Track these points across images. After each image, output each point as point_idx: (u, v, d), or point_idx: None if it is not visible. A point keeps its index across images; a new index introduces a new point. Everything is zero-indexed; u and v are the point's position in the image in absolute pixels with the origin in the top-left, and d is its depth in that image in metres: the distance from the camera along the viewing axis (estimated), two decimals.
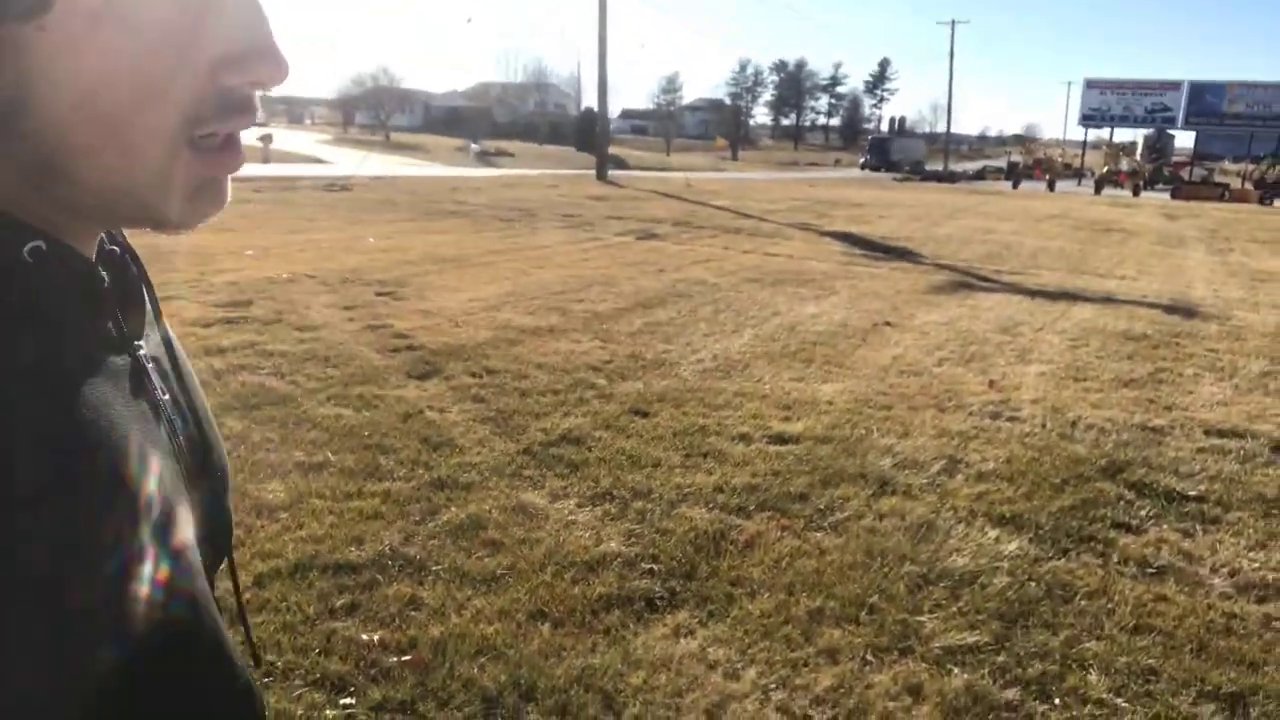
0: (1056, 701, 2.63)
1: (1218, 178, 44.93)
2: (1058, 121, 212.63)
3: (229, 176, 0.53)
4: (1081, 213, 24.30)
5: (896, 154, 67.98)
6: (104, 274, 0.54)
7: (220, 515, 0.65)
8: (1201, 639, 2.98)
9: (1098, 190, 42.84)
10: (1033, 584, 3.33)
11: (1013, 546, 3.62)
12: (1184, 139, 73.93)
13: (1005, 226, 18.99)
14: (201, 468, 0.62)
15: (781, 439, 4.85)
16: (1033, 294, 10.17)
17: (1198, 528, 3.92)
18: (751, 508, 3.94)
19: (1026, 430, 5.15)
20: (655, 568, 3.33)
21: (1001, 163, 65.11)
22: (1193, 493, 4.29)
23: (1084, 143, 74.03)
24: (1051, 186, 45.05)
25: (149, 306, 0.61)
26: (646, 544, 3.53)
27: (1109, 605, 3.19)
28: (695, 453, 4.59)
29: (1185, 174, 46.50)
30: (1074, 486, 4.30)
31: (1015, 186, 45.19)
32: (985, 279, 11.34)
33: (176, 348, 0.65)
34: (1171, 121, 67.67)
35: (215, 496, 0.64)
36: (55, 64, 0.45)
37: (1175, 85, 67.76)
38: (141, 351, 0.56)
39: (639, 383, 5.81)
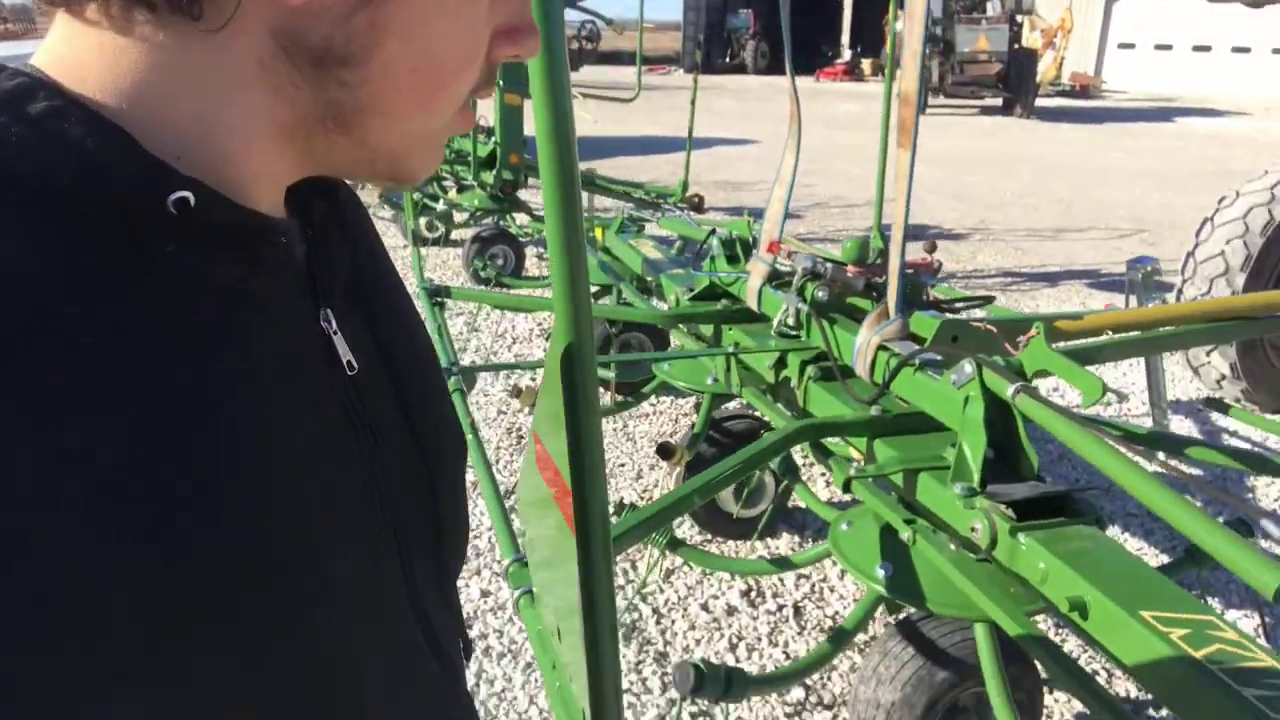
0: None
1: None
2: None
3: None
4: None
5: None
6: (279, 228, 0.48)
7: (440, 510, 0.60)
8: None
9: None
10: None
11: None
12: None
13: None
14: (415, 449, 0.57)
15: None
16: None
17: None
18: None
19: None
20: None
21: None
22: None
23: None
24: None
25: (354, 252, 0.57)
26: None
27: None
28: None
29: None
30: None
31: None
32: None
33: (400, 305, 0.61)
34: None
35: (438, 484, 0.59)
36: (412, 26, 0.46)
37: None
38: (329, 320, 0.51)
39: None
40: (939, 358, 2.06)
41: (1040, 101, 20.54)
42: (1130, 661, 1.40)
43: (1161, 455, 2.40)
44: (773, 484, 3.00)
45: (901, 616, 2.12)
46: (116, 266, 0.40)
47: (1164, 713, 2.33)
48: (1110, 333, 2.53)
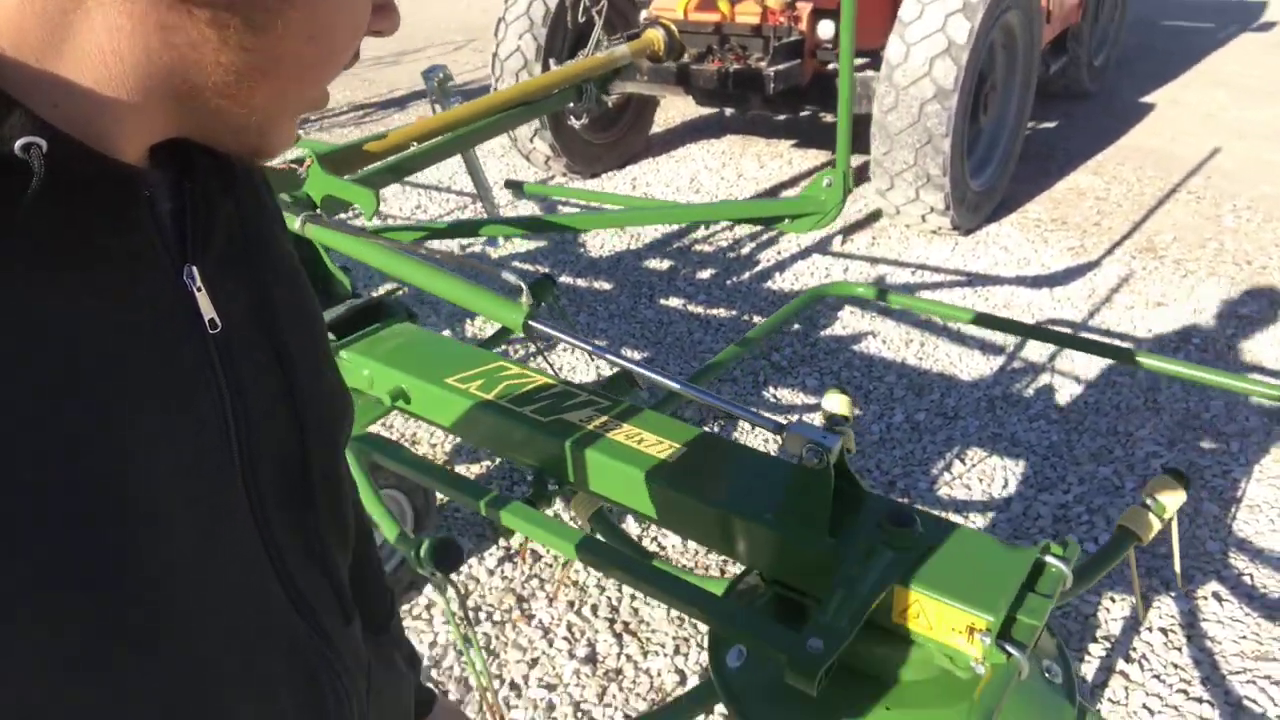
0: None
1: None
2: None
3: None
4: None
5: None
6: (146, 179, 0.49)
7: (312, 475, 0.60)
8: None
9: None
10: None
11: None
12: None
13: None
14: (289, 411, 0.57)
15: None
16: None
17: None
18: None
19: None
20: None
21: None
22: None
23: None
24: None
25: (241, 214, 0.57)
26: None
27: None
28: None
29: None
30: None
31: None
32: None
33: (288, 268, 0.62)
34: None
35: (311, 448, 0.59)
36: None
37: None
38: (193, 276, 0.51)
39: None
40: None
41: None
42: (448, 423, 1.62)
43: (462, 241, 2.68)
44: None
45: None
46: None
47: None
48: (417, 143, 2.74)
